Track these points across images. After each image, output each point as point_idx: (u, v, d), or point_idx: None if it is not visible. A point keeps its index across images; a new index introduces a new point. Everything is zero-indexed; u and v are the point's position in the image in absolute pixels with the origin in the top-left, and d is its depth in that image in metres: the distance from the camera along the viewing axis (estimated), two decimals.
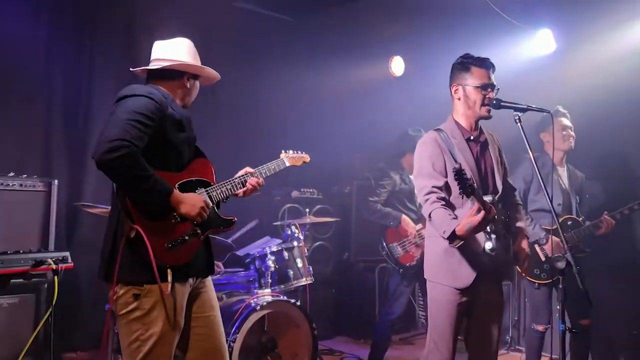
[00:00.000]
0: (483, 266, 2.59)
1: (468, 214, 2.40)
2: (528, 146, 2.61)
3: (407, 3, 5.15)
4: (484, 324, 2.70)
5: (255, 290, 3.75)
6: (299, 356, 3.72)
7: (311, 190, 4.99)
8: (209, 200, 2.32)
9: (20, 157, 4.35)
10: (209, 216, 2.29)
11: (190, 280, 2.31)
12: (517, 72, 4.67)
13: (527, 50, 4.95)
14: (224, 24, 5.24)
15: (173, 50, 2.44)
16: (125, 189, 2.10)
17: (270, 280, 3.76)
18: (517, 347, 5.00)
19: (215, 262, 4.02)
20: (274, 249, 3.89)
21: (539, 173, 2.62)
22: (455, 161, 2.63)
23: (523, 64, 4.89)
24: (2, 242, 3.51)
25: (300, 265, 3.94)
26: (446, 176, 2.64)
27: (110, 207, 2.32)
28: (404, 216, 4.04)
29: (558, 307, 3.87)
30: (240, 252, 4.25)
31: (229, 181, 2.50)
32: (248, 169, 2.60)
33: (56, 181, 3.93)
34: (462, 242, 2.49)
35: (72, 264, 3.40)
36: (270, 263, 3.76)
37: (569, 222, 3.69)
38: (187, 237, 2.22)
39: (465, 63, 2.73)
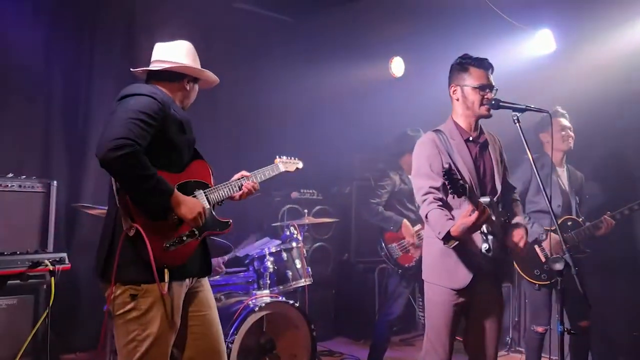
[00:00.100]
0: (480, 267, 2.59)
1: (462, 214, 2.40)
2: (527, 147, 2.61)
3: (407, 4, 5.14)
4: (482, 325, 2.69)
5: (254, 292, 3.75)
6: (297, 357, 3.71)
7: (311, 191, 4.98)
8: (207, 205, 2.35)
9: (19, 158, 4.35)
10: (206, 218, 2.31)
11: (187, 280, 2.32)
12: (517, 72, 4.66)
13: (527, 51, 4.94)
14: (223, 24, 5.24)
15: (174, 53, 2.46)
16: (128, 187, 2.11)
17: (269, 281, 3.76)
18: (517, 348, 4.98)
19: (217, 260, 4.05)
20: (273, 249, 3.89)
21: (538, 174, 2.61)
22: (453, 162, 2.63)
23: (523, 64, 4.88)
24: (1, 243, 3.51)
25: (299, 266, 3.93)
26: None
27: (106, 211, 2.32)
28: (404, 221, 4.02)
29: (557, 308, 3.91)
30: (240, 253, 4.25)
31: (226, 184, 2.54)
32: (244, 173, 2.65)
33: (55, 182, 3.93)
34: (457, 242, 2.49)
35: (70, 265, 3.40)
36: (269, 264, 3.76)
37: (569, 223, 3.68)
38: (184, 238, 2.23)
39: (464, 64, 2.72)
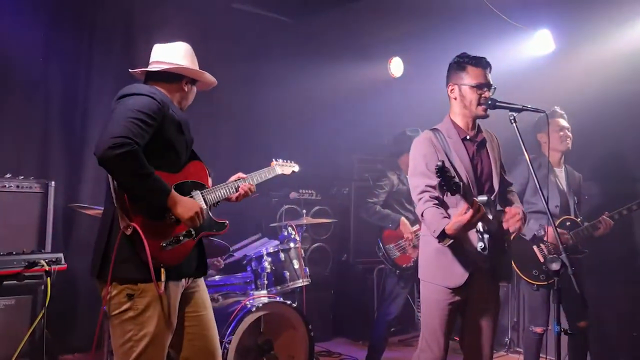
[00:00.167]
0: (476, 266, 2.59)
1: (457, 213, 2.40)
2: (523, 147, 2.60)
3: (406, 4, 5.13)
4: (478, 324, 2.68)
5: (252, 292, 3.74)
6: (295, 358, 3.70)
7: (310, 191, 4.98)
8: (204, 206, 2.36)
9: (18, 158, 4.34)
10: (203, 219, 2.32)
11: (183, 280, 2.33)
12: (516, 72, 4.66)
13: (526, 51, 4.94)
14: (222, 25, 5.24)
15: (172, 54, 2.47)
16: (126, 185, 2.12)
17: (266, 282, 3.75)
18: (516, 348, 4.98)
19: (216, 258, 4.05)
20: (271, 250, 3.88)
21: (535, 174, 2.60)
22: (450, 161, 2.62)
23: (522, 64, 4.88)
24: None
25: (296, 266, 3.92)
26: None
27: (103, 210, 2.33)
28: (402, 218, 4.03)
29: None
30: (238, 254, 4.25)
31: (223, 185, 2.55)
32: (241, 175, 2.66)
33: (53, 182, 3.94)
34: (452, 241, 2.48)
35: (66, 265, 3.40)
36: (266, 264, 3.76)
37: (567, 223, 3.67)
38: (181, 238, 2.24)
39: (462, 62, 2.73)
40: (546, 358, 3.81)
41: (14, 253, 3.35)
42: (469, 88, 2.67)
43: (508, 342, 5.02)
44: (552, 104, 3.83)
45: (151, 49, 2.53)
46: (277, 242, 4.13)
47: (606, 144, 4.47)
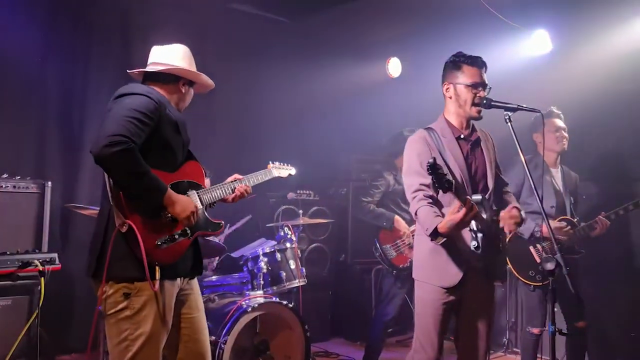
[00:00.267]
0: (470, 265, 2.58)
1: (450, 211, 2.39)
2: (518, 147, 2.60)
3: (404, 4, 5.13)
4: (473, 324, 2.68)
5: (248, 292, 3.73)
6: (291, 358, 3.70)
7: (307, 192, 4.97)
8: (200, 205, 2.37)
9: (14, 159, 4.34)
10: (199, 218, 2.34)
11: (178, 280, 2.33)
12: (513, 72, 4.67)
13: (523, 51, 4.96)
14: (219, 25, 5.24)
15: (170, 55, 2.48)
16: (122, 184, 2.12)
17: (262, 282, 3.74)
18: (513, 349, 4.97)
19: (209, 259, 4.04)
20: (267, 250, 3.88)
21: (530, 175, 2.59)
22: (444, 160, 2.62)
23: (519, 64, 4.89)
24: None
25: (293, 266, 3.92)
26: None
27: (99, 209, 2.33)
28: (396, 217, 4.03)
29: (555, 309, 3.89)
30: (235, 254, 4.25)
31: (220, 186, 2.56)
32: (237, 176, 2.67)
33: (49, 183, 3.93)
34: (445, 239, 2.48)
35: (60, 266, 3.40)
36: (262, 265, 3.75)
37: (564, 224, 3.66)
38: (176, 236, 2.25)
39: (457, 61, 2.73)
40: (541, 358, 3.79)
41: (8, 253, 3.35)
42: (464, 87, 2.67)
43: (506, 342, 5.02)
44: (549, 104, 3.83)
45: (149, 49, 2.53)
46: (274, 242, 4.12)
47: (604, 143, 4.47)
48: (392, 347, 5.10)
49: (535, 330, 3.65)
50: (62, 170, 4.55)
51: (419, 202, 2.58)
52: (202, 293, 3.68)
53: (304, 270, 4.02)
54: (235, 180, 2.64)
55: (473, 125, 2.80)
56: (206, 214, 2.45)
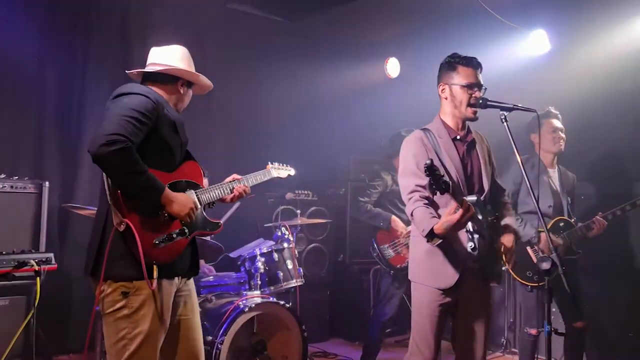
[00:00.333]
0: (467, 267, 2.57)
1: (446, 212, 2.39)
2: (514, 146, 2.59)
3: (403, 5, 5.13)
4: (470, 326, 2.67)
5: (245, 292, 3.73)
6: (288, 358, 3.70)
7: (306, 192, 4.96)
8: (197, 202, 2.37)
9: (12, 159, 4.34)
10: (197, 218, 2.34)
11: (176, 280, 2.34)
12: (511, 72, 4.67)
13: (521, 51, 4.95)
14: (217, 25, 5.24)
15: (168, 56, 2.49)
16: (119, 182, 2.13)
17: (259, 282, 3.75)
18: (512, 349, 4.96)
19: (207, 266, 4.05)
20: (264, 250, 3.88)
21: (526, 175, 2.59)
22: (440, 160, 2.61)
23: (517, 64, 4.89)
24: None
25: (290, 266, 3.92)
26: None
27: (97, 208, 2.33)
28: (393, 217, 4.03)
29: (554, 309, 3.89)
30: (233, 254, 4.25)
31: (218, 186, 2.56)
32: (235, 176, 2.68)
33: (47, 183, 3.93)
34: (441, 240, 2.47)
35: (56, 265, 3.41)
36: (259, 265, 3.75)
37: (561, 224, 3.66)
38: (174, 235, 2.25)
39: (452, 62, 2.73)
40: (539, 359, 3.79)
41: (4, 253, 3.35)
42: (459, 88, 2.67)
43: (504, 342, 5.01)
44: (548, 104, 3.83)
45: (147, 49, 2.54)
46: (272, 242, 4.12)
47: (602, 143, 4.46)
48: (390, 348, 5.10)
49: (533, 331, 3.65)
50: (60, 170, 4.56)
51: (415, 203, 2.57)
52: (200, 293, 3.71)
53: (301, 270, 4.03)
54: (233, 180, 2.64)
55: (468, 127, 2.80)
56: (204, 213, 2.46)
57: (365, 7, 5.14)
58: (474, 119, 2.71)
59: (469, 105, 2.66)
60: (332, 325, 5.54)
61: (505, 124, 2.58)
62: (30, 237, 3.81)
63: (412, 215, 2.58)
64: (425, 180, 2.58)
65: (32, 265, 3.21)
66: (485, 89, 2.70)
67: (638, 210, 3.62)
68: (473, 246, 2.41)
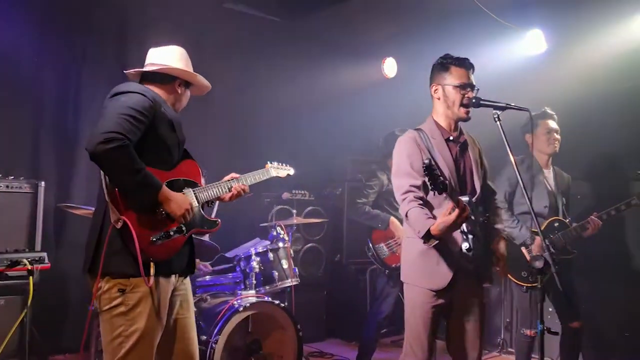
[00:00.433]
0: (460, 267, 2.57)
1: (443, 212, 2.38)
2: (507, 146, 2.58)
3: (399, 5, 5.14)
4: (464, 327, 2.66)
5: (240, 292, 3.73)
6: (284, 358, 3.69)
7: (302, 192, 4.96)
8: (195, 203, 2.39)
9: (8, 159, 4.33)
10: (195, 216, 2.36)
11: (173, 278, 2.34)
12: (507, 72, 4.68)
13: (517, 51, 4.95)
14: (213, 25, 5.23)
15: (166, 56, 2.51)
16: (116, 180, 2.14)
17: (254, 282, 3.74)
18: (508, 349, 4.96)
19: (203, 262, 4.05)
20: (260, 250, 3.88)
21: (520, 175, 2.58)
22: (433, 159, 2.61)
23: (514, 64, 4.89)
24: None
25: (285, 266, 3.92)
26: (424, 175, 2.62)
27: (95, 205, 2.34)
28: (392, 218, 4.02)
29: (550, 309, 3.89)
30: (229, 254, 4.24)
31: (216, 184, 2.57)
32: (234, 175, 2.68)
33: (43, 183, 3.94)
34: (437, 241, 2.47)
35: (49, 264, 3.41)
36: (254, 264, 3.75)
37: (556, 224, 3.65)
38: (171, 233, 2.26)
39: (445, 63, 2.73)
40: (533, 358, 3.79)
41: None
42: (452, 88, 2.67)
43: (501, 342, 5.01)
44: (544, 104, 3.83)
45: (143, 48, 2.55)
46: (267, 242, 4.12)
47: (598, 143, 4.46)
48: (387, 348, 5.10)
49: (530, 333, 3.64)
50: (55, 170, 4.55)
51: (410, 203, 2.56)
52: (195, 293, 3.72)
53: (296, 269, 4.03)
54: (232, 179, 2.64)
55: (460, 128, 2.80)
56: (202, 212, 2.46)
57: (363, 6, 5.15)
58: (467, 119, 2.71)
59: (462, 105, 2.66)
60: (328, 325, 5.53)
61: (498, 123, 2.58)
62: (26, 236, 3.82)
63: (406, 216, 2.57)
64: (419, 181, 2.59)
65: (25, 265, 3.21)
66: (478, 89, 2.70)
67: (633, 210, 3.62)
68: (468, 246, 2.41)
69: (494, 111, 2.60)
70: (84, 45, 4.76)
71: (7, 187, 3.81)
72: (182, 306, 2.42)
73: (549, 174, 3.79)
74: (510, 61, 4.91)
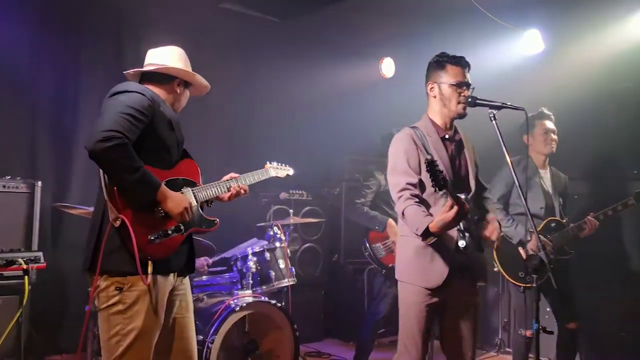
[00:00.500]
0: (455, 265, 2.56)
1: (442, 210, 2.38)
2: (503, 146, 2.57)
3: (397, 4, 5.14)
4: (458, 327, 2.66)
5: (236, 292, 3.72)
6: (280, 358, 3.69)
7: (300, 192, 4.96)
8: (194, 202, 2.39)
9: (5, 159, 4.33)
10: (193, 215, 2.36)
11: (171, 277, 2.34)
12: (505, 72, 4.68)
13: (515, 51, 4.95)
14: (210, 25, 5.23)
15: (165, 56, 2.52)
16: (115, 178, 2.15)
17: (251, 281, 3.74)
18: (506, 349, 4.96)
19: (204, 257, 4.04)
20: (256, 249, 3.87)
21: (516, 175, 2.57)
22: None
23: (511, 64, 4.90)
24: None
25: (282, 266, 3.91)
26: (420, 173, 2.62)
27: (94, 205, 2.34)
28: (390, 221, 4.01)
29: (548, 309, 3.89)
30: (227, 254, 4.24)
31: (215, 184, 2.57)
32: (233, 175, 2.68)
33: (39, 182, 3.94)
34: (436, 239, 2.47)
35: (45, 264, 3.40)
36: (251, 264, 3.75)
37: (553, 225, 3.65)
38: (170, 232, 2.26)
39: (441, 61, 2.73)
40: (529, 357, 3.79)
41: None
42: (448, 86, 2.67)
43: (498, 342, 5.01)
44: (541, 104, 3.82)
45: (140, 48, 2.58)
46: (265, 242, 4.12)
47: (596, 143, 4.46)
48: (384, 348, 5.07)
49: (527, 333, 3.64)
50: (52, 170, 4.55)
51: (406, 201, 2.56)
52: (192, 292, 3.70)
53: (293, 269, 4.03)
54: (231, 179, 2.64)
55: (455, 127, 2.80)
56: (201, 211, 2.47)
57: (360, 6, 5.15)
58: (464, 115, 2.69)
59: (458, 103, 2.66)
60: (326, 325, 5.53)
61: (494, 122, 2.58)
62: (23, 236, 3.82)
63: (402, 214, 2.56)
64: (415, 179, 2.59)
65: (20, 264, 3.21)
66: (474, 88, 2.70)
67: (630, 211, 3.62)
68: (465, 244, 2.41)
69: (490, 110, 2.59)
70: (82, 45, 4.76)
71: (4, 186, 3.81)
72: (181, 306, 2.42)
73: (545, 174, 3.79)
74: (508, 61, 4.92)
